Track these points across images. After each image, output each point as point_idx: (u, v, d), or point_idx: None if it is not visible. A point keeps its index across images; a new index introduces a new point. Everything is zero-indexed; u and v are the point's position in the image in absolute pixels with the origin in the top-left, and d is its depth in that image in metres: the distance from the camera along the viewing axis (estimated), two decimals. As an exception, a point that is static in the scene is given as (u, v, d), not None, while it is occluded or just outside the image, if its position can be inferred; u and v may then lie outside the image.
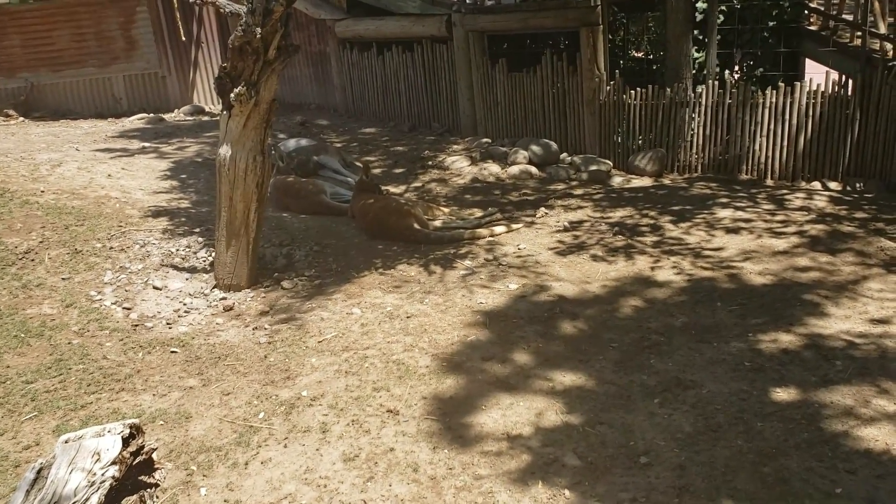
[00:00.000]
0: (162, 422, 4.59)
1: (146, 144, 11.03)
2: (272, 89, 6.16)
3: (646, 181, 8.73)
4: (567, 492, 3.74)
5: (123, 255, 6.89)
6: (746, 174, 8.48)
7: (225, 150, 6.22)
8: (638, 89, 8.95)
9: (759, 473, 3.71)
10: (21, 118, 14.52)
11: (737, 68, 9.88)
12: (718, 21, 9.54)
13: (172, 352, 5.39)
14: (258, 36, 5.73)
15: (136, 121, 13.32)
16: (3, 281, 6.32)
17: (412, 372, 4.94)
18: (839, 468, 3.69)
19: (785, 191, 7.92)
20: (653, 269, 6.27)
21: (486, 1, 10.38)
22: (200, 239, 7.22)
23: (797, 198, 7.65)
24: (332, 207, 8.13)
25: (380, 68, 12.04)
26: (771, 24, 8.87)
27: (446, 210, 7.81)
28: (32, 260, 6.76)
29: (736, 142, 8.48)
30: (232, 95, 5.95)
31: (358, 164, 9.71)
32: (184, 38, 14.75)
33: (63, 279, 6.43)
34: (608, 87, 9.20)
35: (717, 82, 8.59)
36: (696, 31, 9.53)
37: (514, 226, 7.41)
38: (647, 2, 9.42)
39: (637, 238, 6.94)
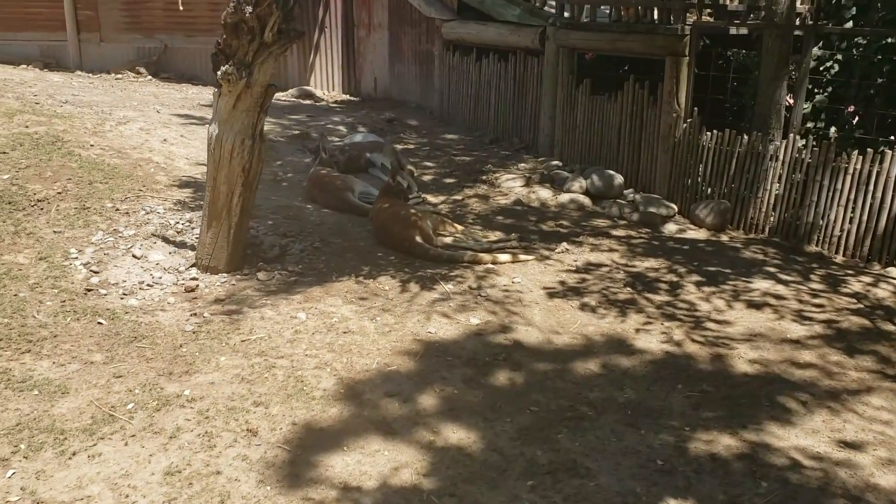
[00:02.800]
0: (37, 392, 4.46)
1: (225, 117, 11.20)
2: (268, 73, 5.93)
3: (701, 234, 7.84)
4: (356, 566, 3.24)
5: (124, 219, 6.92)
6: (816, 245, 7.41)
7: (213, 129, 6.07)
8: (714, 132, 8.06)
9: None
10: (149, 77, 15.27)
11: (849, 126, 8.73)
12: (832, 71, 8.46)
13: (99, 322, 5.29)
14: (247, 15, 5.52)
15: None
16: (3, 224, 6.47)
17: (306, 392, 4.56)
18: None
19: (850, 272, 6.83)
20: (638, 331, 5.53)
21: (584, 17, 9.74)
22: (205, 215, 7.13)
23: (859, 282, 6.56)
24: (355, 206, 7.84)
25: (475, 75, 11.64)
26: (880, 80, 7.71)
27: (460, 227, 7.34)
28: (42, 209, 6.91)
29: (810, 207, 7.43)
30: (219, 73, 5.78)
31: (412, 168, 9.40)
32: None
33: (55, 232, 6.52)
34: (685, 125, 8.36)
35: (797, 137, 7.57)
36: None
37: (524, 257, 6.83)
38: (745, 39, 8.47)
39: (646, 294, 6.19)
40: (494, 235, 7.37)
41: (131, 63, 15.46)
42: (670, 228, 7.92)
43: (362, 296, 5.97)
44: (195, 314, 5.52)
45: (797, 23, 7.88)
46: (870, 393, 4.69)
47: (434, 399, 4.55)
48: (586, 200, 8.55)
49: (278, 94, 14.03)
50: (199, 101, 12.41)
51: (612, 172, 8.89)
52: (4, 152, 7.83)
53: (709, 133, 8.11)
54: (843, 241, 7.29)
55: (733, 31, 8.45)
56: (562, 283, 6.38)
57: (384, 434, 4.18)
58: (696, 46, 8.30)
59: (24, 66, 14.93)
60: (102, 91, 12.26)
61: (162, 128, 9.49)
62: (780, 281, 6.51)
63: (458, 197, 8.66)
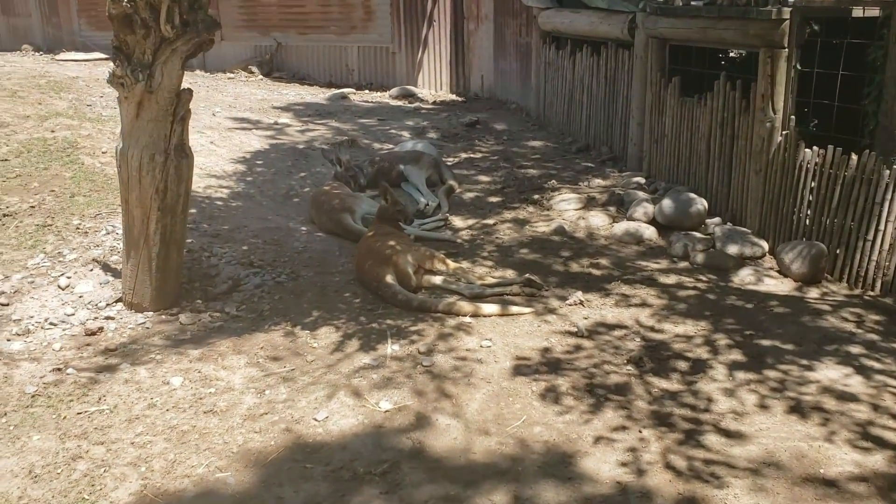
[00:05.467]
0: None
1: (283, 120, 10.39)
2: (174, 75, 4.88)
3: (784, 285, 5.87)
4: None
5: (78, 239, 6.20)
6: (946, 311, 5.27)
7: (118, 142, 5.13)
8: (814, 148, 6.04)
9: None
10: (261, 76, 14.90)
11: None
12: None
13: (-60, 375, 4.48)
14: (125, 3, 4.48)
15: (321, 93, 12.88)
16: (-52, 242, 5.93)
17: (84, 504, 3.45)
18: None
19: None
20: (599, 440, 3.91)
21: (678, 1, 7.89)
22: (167, 239, 6.24)
23: None
24: (351, 231, 6.66)
25: (569, 71, 10.03)
26: None
27: (453, 265, 5.91)
28: (4, 224, 6.37)
29: (940, 257, 5.29)
30: (107, 75, 4.81)
31: (454, 183, 8.05)
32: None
33: (-6, 254, 5.89)
34: (780, 138, 6.38)
35: (924, 159, 5.43)
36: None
37: (517, 310, 5.33)
38: (868, 24, 6.27)
39: (650, 377, 4.50)
40: (497, 277, 5.89)
41: (245, 62, 15.19)
42: (742, 275, 6.01)
43: (278, 354, 4.78)
44: (59, 368, 4.59)
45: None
46: None
47: (237, 534, 3.27)
48: (649, 231, 6.79)
49: (374, 95, 13.10)
50: (277, 103, 11.71)
51: (691, 196, 7.06)
52: (6, 160, 7.41)
53: (808, 150, 6.10)
54: (984, 311, 5.11)
55: (857, 13, 6.29)
56: (545, 351, 4.83)
57: (122, 591, 2.97)
58: (801, 35, 6.28)
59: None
60: (184, 92, 11.89)
61: (195, 133, 8.76)
62: (860, 368, 4.55)
63: (491, 221, 7.20)
